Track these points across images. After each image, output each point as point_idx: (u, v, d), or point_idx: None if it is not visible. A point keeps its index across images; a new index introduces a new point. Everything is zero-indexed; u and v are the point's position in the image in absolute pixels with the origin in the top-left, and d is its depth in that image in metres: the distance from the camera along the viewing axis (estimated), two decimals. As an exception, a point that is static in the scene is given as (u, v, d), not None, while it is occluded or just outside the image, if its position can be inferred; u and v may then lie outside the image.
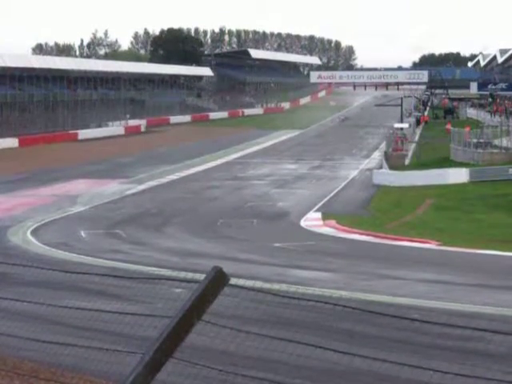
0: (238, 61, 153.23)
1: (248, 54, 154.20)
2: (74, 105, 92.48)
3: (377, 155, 64.32)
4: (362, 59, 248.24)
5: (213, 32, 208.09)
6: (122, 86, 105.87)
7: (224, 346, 9.01)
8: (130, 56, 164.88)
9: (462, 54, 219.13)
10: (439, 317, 14.98)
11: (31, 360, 8.73)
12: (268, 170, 56.48)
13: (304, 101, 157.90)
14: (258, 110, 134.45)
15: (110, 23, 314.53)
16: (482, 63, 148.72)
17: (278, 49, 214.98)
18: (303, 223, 34.01)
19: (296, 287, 13.15)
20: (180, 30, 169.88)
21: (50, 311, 8.25)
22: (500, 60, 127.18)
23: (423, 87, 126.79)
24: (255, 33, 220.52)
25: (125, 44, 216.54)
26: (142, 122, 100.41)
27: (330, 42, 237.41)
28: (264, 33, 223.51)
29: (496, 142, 53.58)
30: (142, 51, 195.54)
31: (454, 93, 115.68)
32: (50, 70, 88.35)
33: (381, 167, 52.88)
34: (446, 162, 51.19)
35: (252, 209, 38.18)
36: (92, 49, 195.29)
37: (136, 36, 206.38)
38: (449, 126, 66.11)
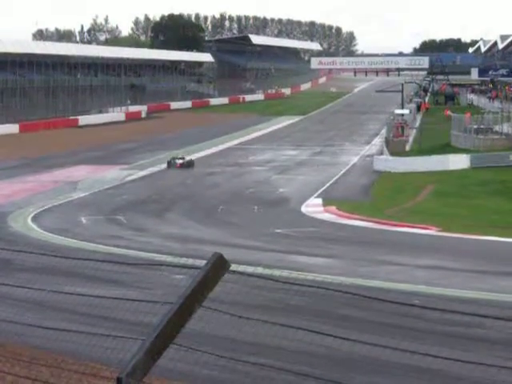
0: (238, 46, 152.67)
1: (249, 40, 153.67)
2: (74, 91, 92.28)
3: (377, 141, 64.20)
4: (362, 45, 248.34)
5: (213, 18, 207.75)
6: (122, 71, 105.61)
7: (225, 331, 9.03)
8: (131, 42, 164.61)
9: (462, 39, 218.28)
10: (439, 303, 15.01)
11: (32, 346, 8.75)
12: (269, 156, 56.41)
13: (305, 87, 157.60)
14: (258, 96, 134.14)
15: (111, 9, 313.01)
16: (483, 49, 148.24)
17: (279, 35, 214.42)
18: (304, 209, 34.01)
19: (296, 273, 13.13)
20: (180, 16, 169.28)
21: (50, 297, 8.26)
22: (501, 46, 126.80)
23: (424, 73, 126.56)
24: (256, 18, 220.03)
25: (125, 30, 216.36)
26: (142, 108, 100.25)
27: (330, 27, 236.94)
28: (265, 18, 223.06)
29: (497, 128, 53.53)
30: (143, 37, 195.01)
31: (455, 79, 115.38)
32: (50, 56, 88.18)
33: (381, 153, 52.81)
34: (446, 148, 51.14)
35: (253, 195, 38.17)
36: (92, 35, 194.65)
37: (136, 22, 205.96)
38: (448, 112, 65.90)
